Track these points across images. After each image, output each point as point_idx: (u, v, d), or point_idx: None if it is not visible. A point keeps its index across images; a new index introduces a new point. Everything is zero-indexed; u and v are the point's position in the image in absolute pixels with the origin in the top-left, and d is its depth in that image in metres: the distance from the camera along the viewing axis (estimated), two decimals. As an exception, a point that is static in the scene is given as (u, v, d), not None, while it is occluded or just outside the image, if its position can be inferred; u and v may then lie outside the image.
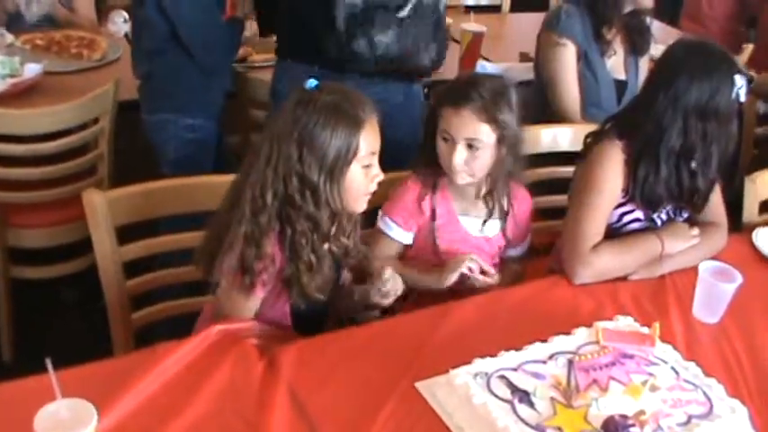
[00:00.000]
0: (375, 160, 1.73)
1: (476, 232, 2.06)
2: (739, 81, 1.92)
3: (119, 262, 1.94)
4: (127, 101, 2.75)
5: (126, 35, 3.09)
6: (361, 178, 1.71)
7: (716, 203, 2.15)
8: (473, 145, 1.92)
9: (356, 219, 1.83)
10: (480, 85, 1.92)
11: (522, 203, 2.12)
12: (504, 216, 2.08)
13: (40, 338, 2.84)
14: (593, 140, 2.10)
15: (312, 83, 1.70)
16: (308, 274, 1.71)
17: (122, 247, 1.95)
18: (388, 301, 1.85)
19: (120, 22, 3.21)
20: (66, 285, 3.04)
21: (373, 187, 1.75)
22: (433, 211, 2.03)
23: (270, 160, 1.66)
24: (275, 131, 1.68)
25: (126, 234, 1.96)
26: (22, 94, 2.75)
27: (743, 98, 1.95)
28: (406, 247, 2.08)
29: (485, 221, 2.05)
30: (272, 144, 1.67)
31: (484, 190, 2.03)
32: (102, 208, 1.88)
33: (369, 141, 1.69)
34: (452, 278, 1.96)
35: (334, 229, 1.76)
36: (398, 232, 2.05)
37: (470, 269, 1.96)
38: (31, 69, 2.82)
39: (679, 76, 1.93)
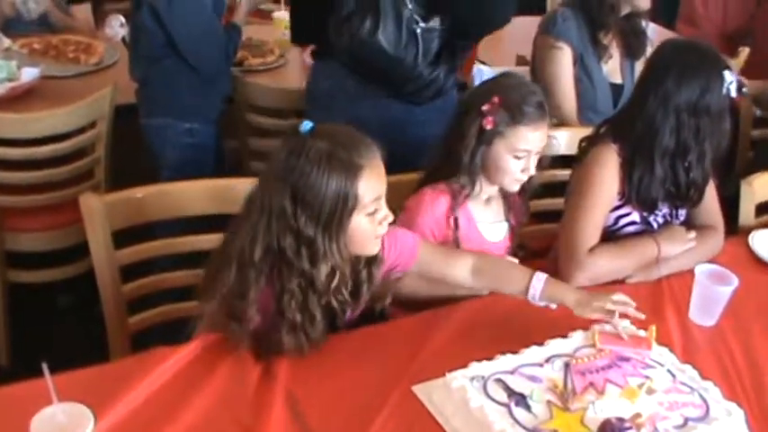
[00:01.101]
0: (381, 203, 1.60)
1: (491, 238, 2.05)
2: (729, 77, 1.94)
3: (115, 266, 1.94)
4: (124, 105, 2.75)
5: (123, 39, 3.09)
6: (367, 226, 1.59)
7: (712, 206, 2.16)
8: (540, 152, 1.93)
9: (377, 259, 1.70)
10: (525, 89, 1.91)
11: (518, 201, 2.12)
12: (508, 217, 2.09)
13: (36, 343, 2.83)
14: (588, 144, 2.11)
15: (307, 125, 1.57)
16: (291, 335, 1.60)
17: (119, 252, 1.94)
18: None
19: (117, 27, 3.21)
20: (63, 290, 3.04)
21: (383, 230, 1.62)
22: (456, 221, 1.98)
23: (262, 213, 1.55)
24: (268, 182, 1.57)
25: (123, 238, 1.96)
26: (20, 98, 2.76)
27: (733, 93, 1.96)
28: None
29: (503, 226, 2.06)
30: (265, 196, 1.56)
31: (499, 194, 2.03)
32: (98, 212, 1.88)
33: (370, 187, 1.55)
34: None
35: (335, 283, 1.61)
36: None
37: None
38: (29, 73, 2.82)
39: (668, 75, 1.95)
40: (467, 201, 1.99)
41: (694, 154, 1.98)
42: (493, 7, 2.34)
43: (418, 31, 2.27)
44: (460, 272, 1.83)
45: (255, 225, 1.55)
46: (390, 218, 1.62)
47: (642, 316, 1.71)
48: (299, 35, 2.66)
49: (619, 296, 1.72)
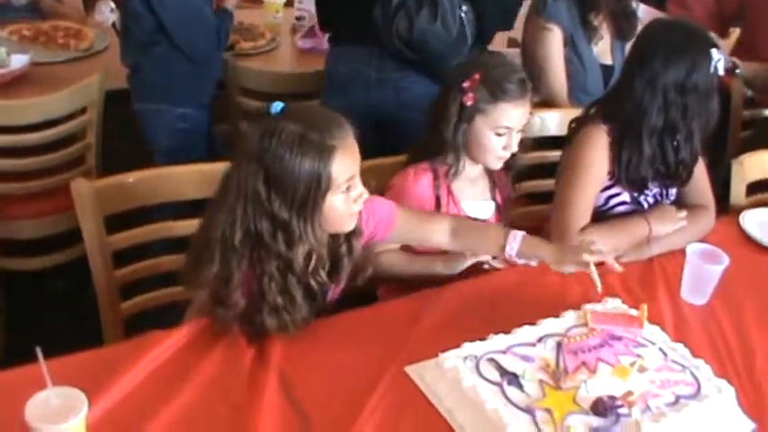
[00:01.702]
0: (356, 181, 1.60)
1: (477, 216, 2.05)
2: (716, 55, 1.94)
3: (107, 251, 1.94)
4: (115, 90, 2.74)
5: (113, 25, 3.07)
6: (342, 205, 1.59)
7: (703, 185, 2.17)
8: (522, 129, 1.95)
9: (355, 232, 1.70)
10: (514, 70, 1.93)
11: (503, 178, 2.14)
12: (494, 196, 2.09)
13: (30, 329, 2.83)
14: (578, 125, 2.11)
15: (277, 106, 1.57)
16: (273, 317, 1.60)
17: (111, 237, 1.94)
18: None
19: (106, 12, 3.18)
20: (55, 276, 3.03)
21: (357, 207, 1.63)
22: (438, 199, 2.00)
23: (239, 196, 1.55)
24: (242, 165, 1.55)
25: (116, 223, 1.96)
26: (9, 85, 2.74)
27: (721, 72, 1.97)
28: None
29: (489, 203, 2.07)
30: (240, 178, 1.55)
31: (483, 172, 2.05)
32: (90, 197, 1.87)
33: (344, 167, 1.55)
34: (465, 264, 1.96)
35: (312, 265, 1.62)
36: None
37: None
38: (18, 60, 2.81)
39: (656, 55, 1.95)
40: (450, 179, 2.00)
41: (683, 133, 1.98)
42: None
43: (462, 15, 2.32)
44: (438, 236, 1.85)
45: (234, 208, 1.55)
46: (365, 195, 1.62)
47: (619, 268, 1.73)
48: (328, 21, 2.69)
49: (594, 245, 1.72)
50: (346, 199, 1.59)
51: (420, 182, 1.98)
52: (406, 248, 2.05)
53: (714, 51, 1.94)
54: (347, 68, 2.45)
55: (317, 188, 1.53)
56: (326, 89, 2.63)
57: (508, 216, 2.15)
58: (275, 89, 3.00)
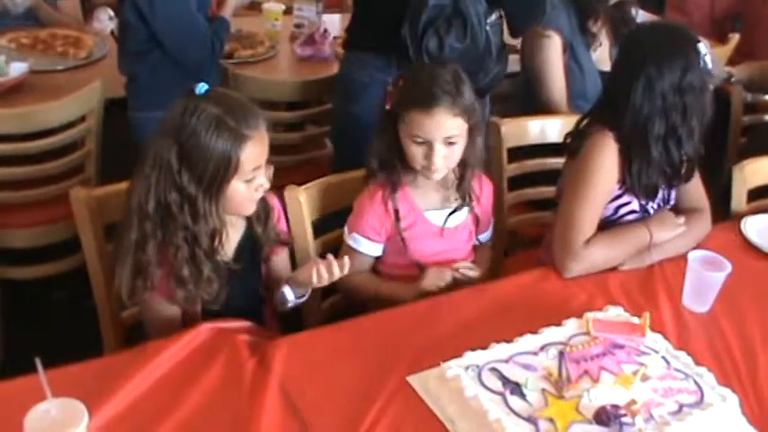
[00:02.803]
0: (260, 172, 1.70)
1: (444, 224, 2.03)
2: (702, 49, 1.94)
3: (107, 260, 1.92)
4: (114, 98, 2.74)
5: (112, 32, 3.07)
6: (243, 191, 1.69)
7: (697, 188, 2.16)
8: (451, 141, 1.90)
9: (268, 216, 1.84)
10: (439, 77, 1.88)
11: (486, 187, 2.12)
12: (470, 202, 2.06)
13: (29, 339, 2.82)
14: (580, 137, 2.08)
15: (202, 87, 1.66)
16: (181, 288, 1.69)
17: (111, 245, 1.93)
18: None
19: (105, 20, 3.19)
20: (56, 285, 3.02)
21: (258, 195, 1.73)
22: (396, 212, 1.98)
23: (153, 167, 1.64)
24: (160, 138, 1.65)
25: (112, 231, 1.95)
26: (8, 93, 2.73)
27: (709, 65, 1.97)
28: (378, 256, 2.07)
29: (454, 211, 2.03)
30: (156, 152, 1.64)
31: (452, 178, 2.02)
32: (89, 206, 1.87)
33: (252, 157, 1.65)
34: (433, 289, 1.96)
35: (216, 244, 1.72)
36: (369, 246, 2.02)
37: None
38: (17, 68, 2.80)
39: (647, 61, 1.94)
40: (406, 188, 1.99)
41: (684, 131, 1.97)
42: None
43: (488, 29, 2.33)
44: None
45: (149, 178, 1.65)
46: (266, 186, 1.73)
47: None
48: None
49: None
50: (249, 186, 1.69)
51: (374, 199, 1.98)
52: (375, 266, 2.07)
53: (701, 46, 1.94)
54: (364, 74, 2.45)
55: (225, 171, 1.63)
56: (339, 94, 2.62)
57: (501, 222, 2.15)
58: (276, 97, 3.01)
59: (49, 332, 2.92)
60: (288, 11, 3.56)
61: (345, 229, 2.04)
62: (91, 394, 1.38)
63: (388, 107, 1.93)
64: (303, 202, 2.01)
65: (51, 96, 2.63)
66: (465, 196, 2.04)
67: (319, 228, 2.10)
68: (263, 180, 1.71)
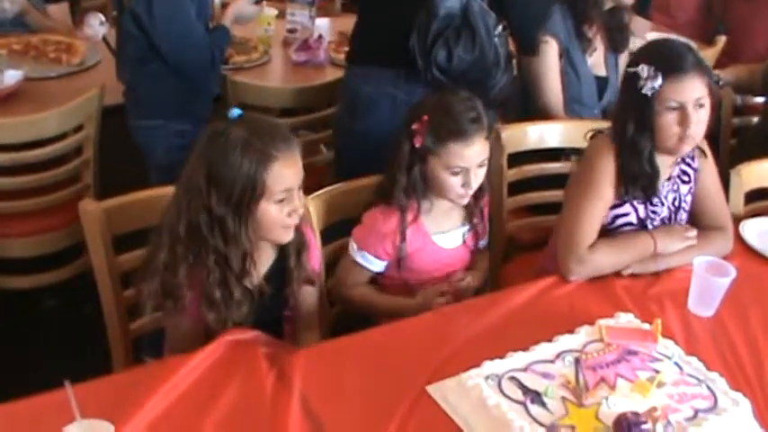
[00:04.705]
0: (293, 195, 1.68)
1: (448, 246, 2.07)
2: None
3: (116, 272, 1.92)
4: (109, 106, 2.71)
5: (104, 38, 3.04)
6: (275, 214, 1.67)
7: (720, 208, 2.18)
8: (482, 164, 1.95)
9: (302, 247, 1.82)
10: (463, 105, 1.93)
11: (477, 203, 2.13)
12: (471, 220, 2.11)
13: (21, 348, 2.80)
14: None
15: (235, 112, 1.68)
16: (211, 310, 1.69)
17: (120, 257, 1.93)
18: None
19: (96, 25, 3.14)
20: (46, 294, 3.00)
21: (292, 221, 1.70)
22: (403, 234, 2.01)
23: (185, 190, 1.66)
24: (190, 161, 1.67)
25: (122, 241, 1.94)
26: (3, 101, 2.70)
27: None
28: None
29: (468, 230, 2.09)
30: (187, 173, 1.66)
31: (466, 201, 2.03)
32: (98, 218, 1.85)
33: (281, 178, 1.64)
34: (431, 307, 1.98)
35: (249, 264, 1.71)
36: (376, 263, 2.05)
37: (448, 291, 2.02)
38: (11, 76, 2.77)
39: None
40: (419, 217, 2.01)
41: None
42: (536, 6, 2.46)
43: (496, 40, 2.32)
44: None
45: (181, 200, 1.67)
46: (301, 211, 1.71)
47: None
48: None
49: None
50: (279, 210, 1.67)
51: (388, 222, 2.00)
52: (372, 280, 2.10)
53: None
54: (372, 90, 2.41)
55: (252, 192, 1.63)
56: (346, 110, 2.56)
57: (501, 227, 2.17)
58: (274, 104, 3.01)
59: (44, 341, 2.90)
60: (280, 15, 3.55)
61: (353, 243, 2.05)
62: (115, 411, 1.39)
63: (417, 145, 1.93)
64: (313, 211, 2.02)
65: (46, 104, 2.61)
66: (472, 219, 2.09)
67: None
68: (296, 204, 1.69)
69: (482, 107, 1.96)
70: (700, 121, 1.95)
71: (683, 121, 1.93)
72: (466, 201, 2.00)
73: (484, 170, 1.98)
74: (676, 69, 1.91)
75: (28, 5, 3.40)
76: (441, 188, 1.97)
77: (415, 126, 1.93)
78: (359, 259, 2.04)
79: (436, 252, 2.07)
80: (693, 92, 1.92)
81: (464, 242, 2.12)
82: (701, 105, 1.94)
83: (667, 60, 1.93)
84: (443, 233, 2.07)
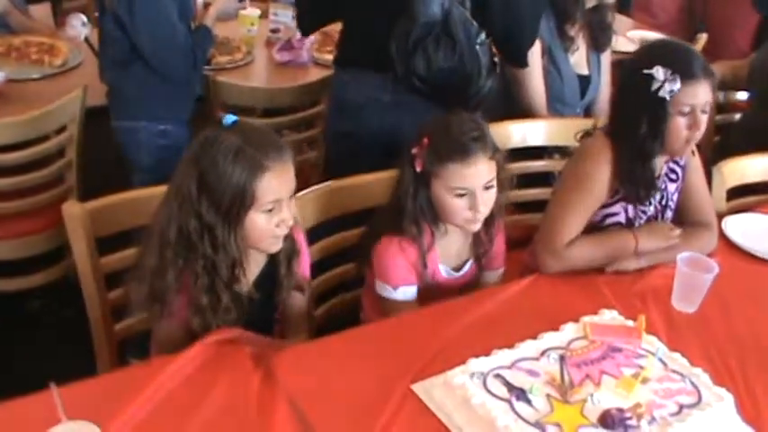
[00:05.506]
0: (281, 205, 1.66)
1: (449, 274, 2.04)
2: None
3: (100, 274, 1.91)
4: (92, 107, 2.70)
5: (86, 39, 3.03)
6: (264, 224, 1.66)
7: (704, 204, 2.20)
8: (489, 186, 1.89)
9: (293, 255, 1.81)
10: (464, 125, 1.87)
11: (498, 232, 2.07)
12: (475, 250, 2.06)
13: (5, 349, 2.79)
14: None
15: (229, 119, 1.66)
16: (198, 315, 1.68)
17: (104, 259, 1.92)
18: None
19: (78, 26, 3.13)
20: (27, 296, 2.98)
21: (281, 231, 1.69)
22: (423, 261, 1.97)
23: (175, 195, 1.65)
24: (182, 166, 1.66)
25: (105, 243, 1.93)
26: (-16, 103, 2.69)
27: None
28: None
29: (468, 260, 2.04)
30: (178, 179, 1.65)
31: (477, 227, 1.96)
32: (82, 220, 1.84)
33: (271, 188, 1.62)
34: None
35: (237, 274, 1.71)
36: (406, 291, 1.97)
37: None
38: (-6, 77, 2.76)
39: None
40: (434, 244, 1.97)
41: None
42: (522, 19, 2.42)
43: (478, 48, 2.30)
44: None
45: (171, 205, 1.65)
46: (290, 223, 1.69)
47: None
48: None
49: None
50: (268, 220, 1.66)
51: (407, 254, 1.94)
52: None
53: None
54: (359, 94, 2.40)
55: (242, 200, 1.61)
56: (334, 114, 2.57)
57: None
58: (257, 104, 3.01)
59: (29, 343, 2.88)
60: (263, 15, 3.54)
61: (384, 285, 1.96)
62: (100, 412, 1.39)
63: (418, 169, 1.88)
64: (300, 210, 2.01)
65: (29, 106, 2.59)
66: (479, 256, 2.05)
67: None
68: (285, 215, 1.67)
69: (488, 128, 1.91)
70: (704, 124, 1.97)
71: (693, 124, 1.95)
72: (477, 226, 1.93)
73: (492, 193, 1.90)
74: (692, 74, 1.92)
75: (10, 6, 3.38)
76: (447, 213, 1.91)
77: (414, 150, 1.88)
78: (386, 294, 1.97)
79: (446, 276, 2.03)
80: (705, 96, 1.94)
81: (463, 273, 2.07)
82: (707, 110, 1.96)
83: (683, 64, 1.93)
84: (450, 258, 2.02)
